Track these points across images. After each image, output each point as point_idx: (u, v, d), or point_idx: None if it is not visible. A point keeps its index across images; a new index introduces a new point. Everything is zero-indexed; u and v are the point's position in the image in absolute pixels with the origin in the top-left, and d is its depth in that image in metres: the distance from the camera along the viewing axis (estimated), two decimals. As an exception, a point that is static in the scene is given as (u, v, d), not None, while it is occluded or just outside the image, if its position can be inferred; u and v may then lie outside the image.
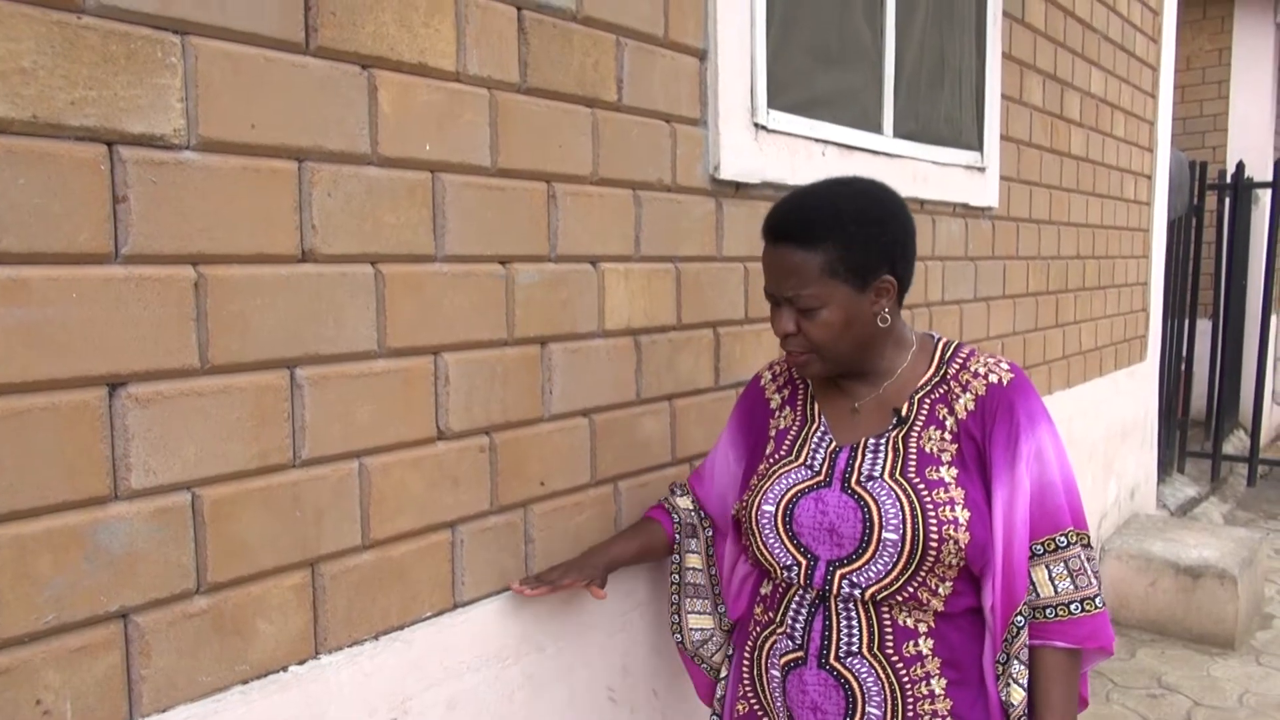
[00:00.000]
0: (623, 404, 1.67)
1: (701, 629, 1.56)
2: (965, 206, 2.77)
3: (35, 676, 0.99)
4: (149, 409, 1.06)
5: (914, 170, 2.47)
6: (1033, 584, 1.31)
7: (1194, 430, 6.20)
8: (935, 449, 1.32)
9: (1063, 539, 1.31)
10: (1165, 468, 5.38)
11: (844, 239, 1.27)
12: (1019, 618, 1.29)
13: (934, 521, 1.26)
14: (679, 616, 1.58)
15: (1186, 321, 5.65)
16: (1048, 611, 1.31)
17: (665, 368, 1.75)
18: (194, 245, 1.09)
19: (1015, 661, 1.30)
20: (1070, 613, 1.30)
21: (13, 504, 0.96)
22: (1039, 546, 1.31)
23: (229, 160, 1.12)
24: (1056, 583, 1.31)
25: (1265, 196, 5.99)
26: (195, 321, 1.09)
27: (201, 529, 1.11)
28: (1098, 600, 1.31)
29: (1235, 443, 6.60)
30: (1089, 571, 1.32)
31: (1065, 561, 1.31)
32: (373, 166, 1.27)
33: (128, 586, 1.05)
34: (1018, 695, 1.30)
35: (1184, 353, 5.68)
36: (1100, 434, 4.00)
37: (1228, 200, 5.93)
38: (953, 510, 1.27)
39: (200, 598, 1.12)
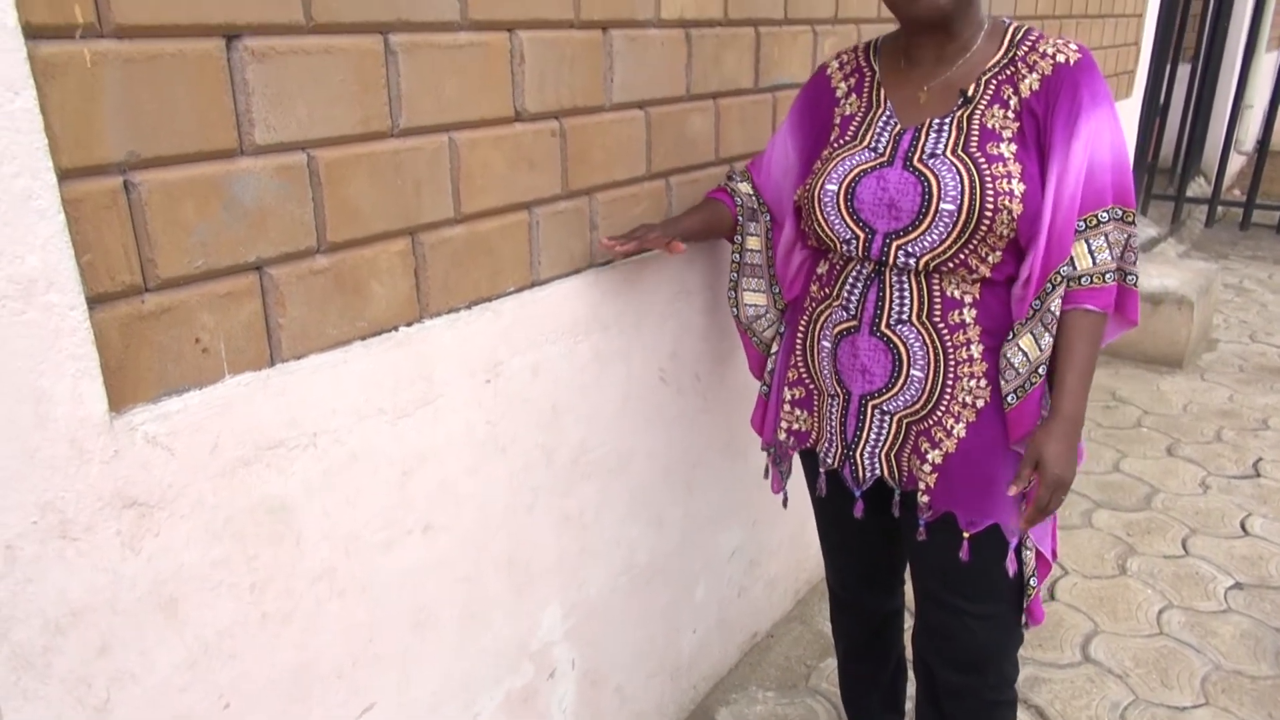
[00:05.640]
0: (674, 99, 1.70)
1: (755, 305, 1.69)
2: (987, -83, 2.68)
3: (193, 317, 1.07)
4: (264, 64, 1.07)
5: None
6: (1072, 256, 1.36)
7: (1159, 176, 6.36)
8: (998, 126, 1.37)
9: (1104, 214, 1.36)
10: (1130, 210, 5.56)
11: None
12: (1056, 276, 1.36)
13: (990, 193, 1.34)
14: (735, 293, 1.71)
15: (1168, 65, 5.64)
16: (1083, 280, 1.37)
17: (711, 65, 1.77)
18: (288, -108, 1.06)
19: (1028, 333, 1.39)
20: (1104, 281, 1.37)
21: (157, 149, 1.00)
22: (1081, 223, 1.36)
23: None
24: (1095, 255, 1.37)
25: (1262, -70, 5.81)
26: (295, -24, 1.09)
27: (318, 190, 1.16)
28: (1122, 274, 1.40)
29: (1195, 189, 6.81)
30: (1124, 246, 1.39)
31: (1105, 235, 1.37)
32: None
33: (261, 239, 1.12)
34: (1015, 356, 1.39)
35: (1161, 97, 5.71)
36: (1081, 170, 4.09)
37: (1225, -66, 5.75)
38: (1009, 183, 1.34)
39: (321, 256, 1.19)
